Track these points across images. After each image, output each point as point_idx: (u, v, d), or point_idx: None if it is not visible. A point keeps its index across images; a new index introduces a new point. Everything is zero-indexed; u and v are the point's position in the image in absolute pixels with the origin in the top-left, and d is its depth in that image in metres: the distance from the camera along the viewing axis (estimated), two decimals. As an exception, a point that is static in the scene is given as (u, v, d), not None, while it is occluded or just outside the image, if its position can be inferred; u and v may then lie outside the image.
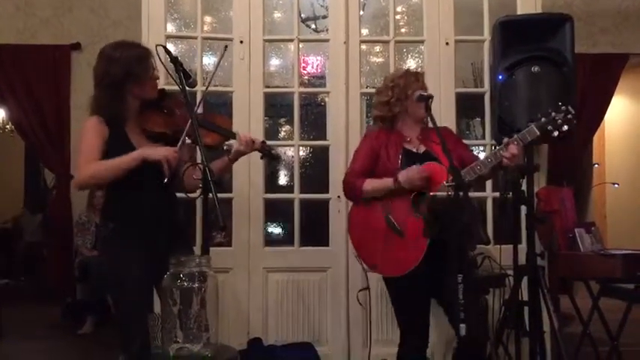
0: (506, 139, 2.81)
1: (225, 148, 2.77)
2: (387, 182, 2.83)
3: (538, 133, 2.78)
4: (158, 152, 2.44)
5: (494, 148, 3.93)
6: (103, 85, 2.55)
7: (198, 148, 2.41)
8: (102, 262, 2.69)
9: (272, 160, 2.87)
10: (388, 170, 2.87)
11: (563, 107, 2.79)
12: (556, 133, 2.78)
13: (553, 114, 2.78)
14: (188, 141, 2.56)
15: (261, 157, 2.81)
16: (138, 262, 2.45)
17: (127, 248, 2.50)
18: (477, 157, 3.03)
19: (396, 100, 2.97)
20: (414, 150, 2.93)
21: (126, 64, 2.53)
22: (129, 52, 2.58)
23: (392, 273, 2.92)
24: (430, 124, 2.89)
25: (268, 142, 3.60)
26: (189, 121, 2.46)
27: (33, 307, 6.52)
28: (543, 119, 2.78)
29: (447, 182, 2.50)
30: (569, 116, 2.77)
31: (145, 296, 2.44)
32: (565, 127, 2.78)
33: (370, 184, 2.88)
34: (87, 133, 2.53)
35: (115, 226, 2.57)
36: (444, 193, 2.52)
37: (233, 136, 2.72)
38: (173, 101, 2.68)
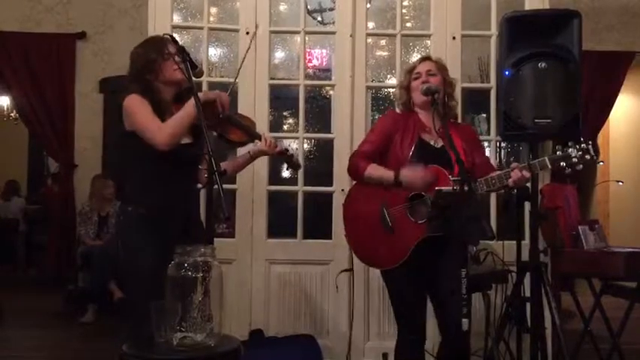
0: (514, 164, 2.72)
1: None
2: (388, 176, 2.76)
3: (550, 166, 2.68)
4: (211, 93, 2.60)
5: (500, 144, 3.96)
6: (132, 80, 2.63)
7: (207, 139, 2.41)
8: (117, 246, 2.70)
9: (292, 167, 2.94)
10: (398, 158, 2.81)
11: (584, 145, 2.62)
12: (569, 170, 2.63)
13: (570, 150, 2.62)
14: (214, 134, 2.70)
15: (282, 162, 2.89)
16: (153, 247, 2.48)
17: (142, 232, 2.53)
18: (489, 163, 3.00)
19: (401, 87, 2.99)
20: (431, 143, 2.86)
21: (144, 54, 2.64)
22: (147, 45, 2.69)
23: (370, 264, 2.97)
24: (459, 119, 2.88)
25: (273, 135, 3.63)
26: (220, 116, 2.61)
27: (34, 295, 6.55)
28: (559, 153, 2.65)
29: (452, 177, 2.48)
30: (587, 157, 2.60)
31: (158, 283, 2.43)
32: (580, 167, 2.61)
33: (372, 171, 2.81)
34: (137, 106, 2.56)
35: (134, 209, 2.61)
36: (450, 188, 2.51)
37: (258, 137, 2.79)
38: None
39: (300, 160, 3.85)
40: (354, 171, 2.91)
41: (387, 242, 2.78)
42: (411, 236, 2.73)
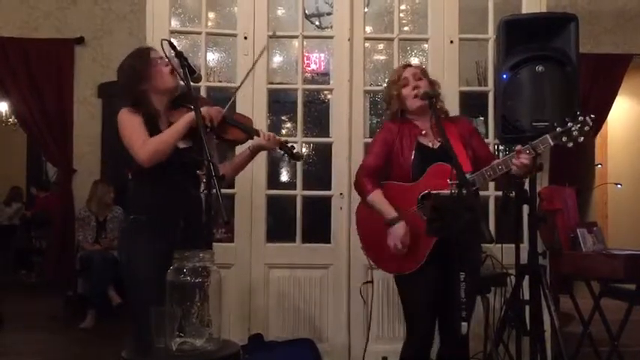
0: (518, 147, 2.73)
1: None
2: (388, 213, 2.79)
3: (552, 143, 2.70)
4: (201, 111, 2.51)
5: (498, 147, 3.96)
6: (123, 94, 2.63)
7: (205, 143, 2.39)
8: (121, 253, 2.71)
9: (293, 158, 2.95)
10: (401, 164, 2.84)
11: (580, 117, 2.67)
12: (571, 144, 2.67)
13: (570, 124, 2.67)
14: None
15: (282, 155, 2.91)
16: (154, 254, 2.47)
17: (145, 239, 2.53)
18: (491, 153, 3.02)
19: (389, 98, 2.97)
20: (430, 145, 2.88)
21: (129, 66, 2.63)
22: (131, 56, 2.67)
23: (391, 270, 2.93)
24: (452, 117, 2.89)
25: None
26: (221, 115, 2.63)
27: (34, 300, 6.54)
28: (558, 129, 2.68)
29: (450, 180, 2.48)
30: (586, 128, 2.66)
31: (159, 290, 2.42)
32: (581, 139, 2.66)
33: (376, 199, 2.84)
34: (126, 121, 2.57)
35: (136, 217, 2.61)
36: (448, 191, 2.51)
37: (256, 133, 2.79)
38: (204, 102, 2.74)
39: (299, 164, 3.86)
40: (359, 190, 2.95)
41: (395, 252, 2.78)
42: (429, 237, 2.72)
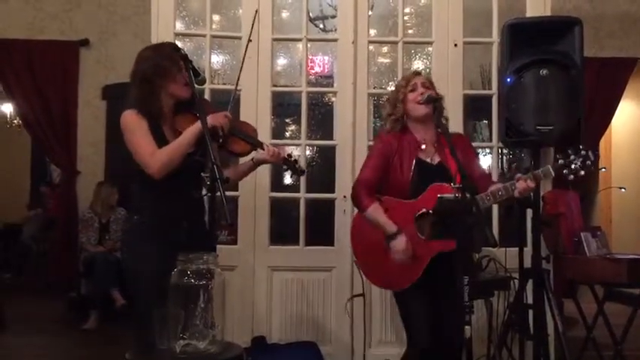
0: (518, 175, 2.76)
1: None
2: (388, 227, 2.77)
3: (553, 174, 2.77)
4: (210, 119, 2.48)
5: (501, 151, 3.96)
6: (136, 82, 2.58)
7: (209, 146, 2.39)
8: (123, 254, 2.70)
9: (296, 174, 2.93)
10: (399, 181, 2.82)
11: (583, 152, 2.74)
12: (571, 177, 2.74)
13: (572, 157, 2.74)
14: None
15: (285, 170, 2.89)
16: (157, 256, 2.45)
17: (148, 241, 2.52)
18: (487, 175, 3.01)
19: (395, 101, 2.95)
20: (428, 160, 2.87)
21: (155, 59, 2.57)
22: (159, 50, 2.63)
23: (384, 286, 2.95)
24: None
25: (275, 142, 3.65)
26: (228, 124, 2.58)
27: (37, 302, 6.55)
28: (561, 161, 2.75)
29: (454, 184, 2.47)
30: (588, 162, 2.73)
31: (161, 291, 2.42)
32: (582, 173, 2.74)
33: (375, 214, 2.81)
34: (133, 128, 2.53)
35: (140, 218, 2.61)
36: (452, 195, 2.51)
37: (260, 146, 2.77)
38: (206, 106, 2.71)
39: (303, 166, 3.86)
40: (357, 202, 2.91)
41: (400, 263, 2.77)
42: (424, 254, 2.74)
